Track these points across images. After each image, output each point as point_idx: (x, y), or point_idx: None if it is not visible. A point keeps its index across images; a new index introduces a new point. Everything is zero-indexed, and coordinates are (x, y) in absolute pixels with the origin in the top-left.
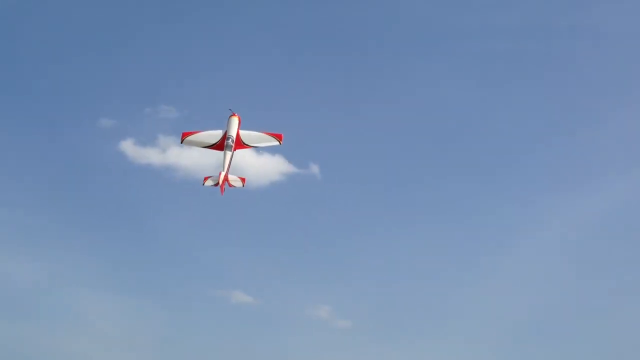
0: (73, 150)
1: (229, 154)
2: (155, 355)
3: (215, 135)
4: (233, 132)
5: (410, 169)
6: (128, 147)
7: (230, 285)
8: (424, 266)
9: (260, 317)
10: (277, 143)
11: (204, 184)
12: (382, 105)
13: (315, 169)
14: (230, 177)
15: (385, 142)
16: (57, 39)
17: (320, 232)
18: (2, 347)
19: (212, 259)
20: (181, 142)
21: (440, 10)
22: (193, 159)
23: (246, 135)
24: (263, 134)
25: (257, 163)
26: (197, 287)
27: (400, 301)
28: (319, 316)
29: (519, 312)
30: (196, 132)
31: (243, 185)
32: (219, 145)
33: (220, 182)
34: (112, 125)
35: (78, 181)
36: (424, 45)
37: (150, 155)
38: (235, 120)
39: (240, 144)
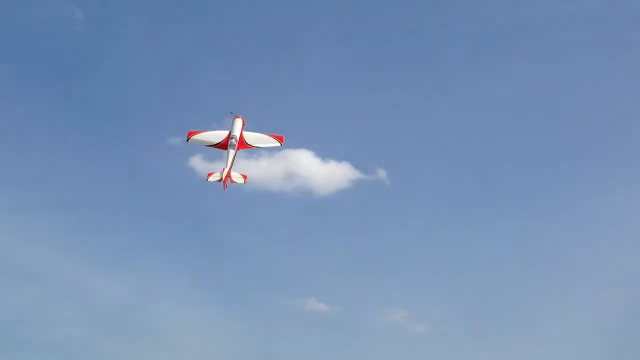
0: (146, 171)
1: (232, 152)
2: None
3: (219, 135)
4: (237, 133)
5: (484, 167)
6: (197, 162)
7: (305, 293)
8: (503, 265)
9: (335, 324)
10: (279, 144)
11: (207, 180)
12: (450, 103)
13: (382, 173)
14: (232, 173)
15: (455, 142)
16: (124, 63)
17: (390, 237)
18: None
19: (285, 268)
20: (187, 140)
21: (502, 5)
22: (260, 169)
23: (249, 136)
24: (265, 136)
25: (323, 172)
26: (272, 297)
27: (478, 302)
28: (394, 321)
29: (611, 309)
30: (201, 132)
31: (245, 182)
32: (223, 145)
33: (223, 177)
34: (180, 143)
35: (154, 200)
36: (491, 42)
37: (219, 170)
38: (239, 122)
39: (243, 143)
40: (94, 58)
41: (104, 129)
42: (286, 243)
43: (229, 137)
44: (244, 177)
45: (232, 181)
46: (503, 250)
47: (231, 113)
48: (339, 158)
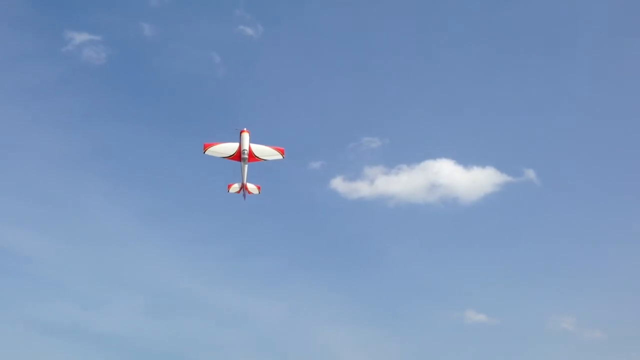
0: (292, 197)
1: (245, 166)
2: None
3: (231, 147)
4: (246, 146)
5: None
6: (338, 184)
7: (462, 305)
8: None
9: (497, 335)
10: (280, 157)
11: (228, 191)
12: (595, 95)
13: (531, 174)
14: (248, 185)
15: (608, 132)
16: (262, 98)
17: (547, 241)
18: None
19: (438, 280)
20: (204, 152)
21: None
22: (401, 184)
23: (256, 148)
24: (268, 148)
25: (466, 178)
26: (428, 311)
27: None
28: (564, 328)
29: None
30: (216, 144)
31: (259, 192)
32: (236, 157)
33: (242, 190)
34: (320, 167)
35: (302, 224)
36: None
37: (360, 189)
38: (246, 136)
39: (253, 156)
40: (234, 96)
41: None
42: (437, 255)
43: (240, 150)
44: (258, 187)
45: (248, 192)
46: None
47: (236, 129)
48: (482, 163)
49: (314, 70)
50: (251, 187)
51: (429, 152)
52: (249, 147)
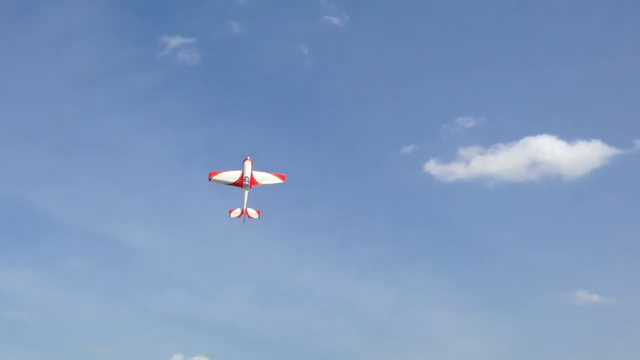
0: (387, 184)
1: (246, 192)
2: None
3: (234, 175)
4: (248, 174)
5: None
6: (432, 167)
7: (573, 285)
8: None
9: (612, 315)
10: (281, 181)
11: (229, 216)
12: None
13: None
14: (248, 210)
15: None
16: (348, 86)
17: None
18: None
19: (546, 261)
20: (209, 180)
21: None
22: (499, 163)
23: (258, 175)
24: (270, 175)
25: (570, 154)
26: (537, 292)
27: None
28: None
29: None
30: (220, 172)
31: (259, 217)
32: (239, 183)
33: (241, 214)
34: (412, 151)
35: (400, 211)
36: None
37: (456, 171)
38: (248, 164)
39: (254, 182)
40: (324, 85)
41: (341, 147)
42: (542, 235)
43: (242, 177)
44: (258, 212)
45: (248, 217)
46: None
47: (245, 159)
48: (587, 137)
49: (401, 54)
50: (251, 211)
51: (528, 128)
52: (251, 174)
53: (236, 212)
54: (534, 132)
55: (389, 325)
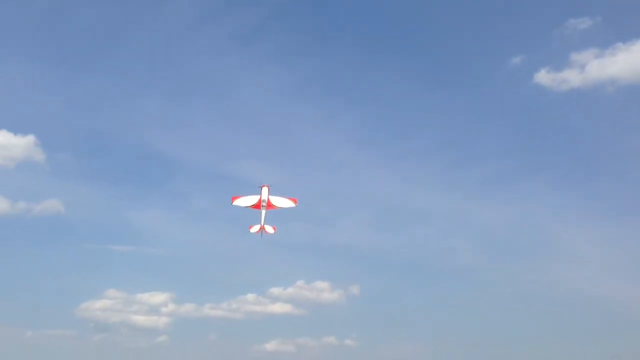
0: (495, 98)
1: (263, 212)
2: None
3: (253, 199)
4: (265, 197)
5: None
6: (542, 77)
7: None
8: None
9: None
10: (293, 205)
11: (249, 231)
12: None
13: None
14: (266, 227)
15: None
16: None
17: None
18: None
19: None
20: (232, 203)
21: None
22: (619, 65)
23: (274, 199)
24: (284, 199)
25: None
26: None
27: None
28: None
29: None
30: (241, 197)
31: (274, 232)
32: (257, 206)
33: (259, 230)
34: (520, 61)
35: (512, 125)
36: None
37: (569, 78)
38: (265, 190)
39: (270, 205)
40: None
41: (446, 64)
42: None
43: (260, 200)
44: (274, 228)
45: (265, 232)
46: None
47: (259, 186)
48: None
49: None
50: (268, 228)
51: None
52: (268, 199)
53: (255, 227)
54: None
55: (511, 240)
